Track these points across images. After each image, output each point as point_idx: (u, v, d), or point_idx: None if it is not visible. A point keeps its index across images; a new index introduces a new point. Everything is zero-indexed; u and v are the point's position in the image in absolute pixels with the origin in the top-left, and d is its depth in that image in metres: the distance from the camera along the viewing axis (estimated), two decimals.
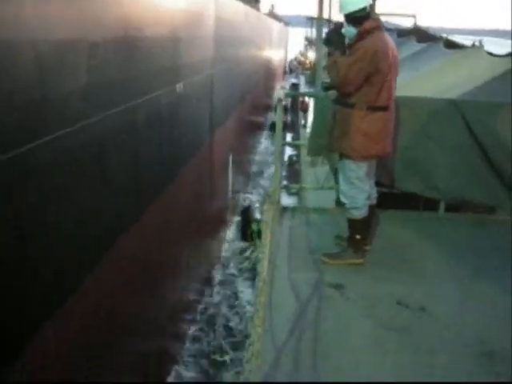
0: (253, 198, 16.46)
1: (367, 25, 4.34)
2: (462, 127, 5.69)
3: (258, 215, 13.08)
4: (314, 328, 3.83)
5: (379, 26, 4.42)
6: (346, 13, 4.36)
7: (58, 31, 4.31)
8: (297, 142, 13.73)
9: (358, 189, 4.62)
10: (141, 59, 6.27)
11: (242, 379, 2.10)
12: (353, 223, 4.74)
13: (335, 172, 6.18)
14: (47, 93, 4.15)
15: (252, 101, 19.55)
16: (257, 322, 2.55)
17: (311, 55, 38.33)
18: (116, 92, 5.52)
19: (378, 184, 5.81)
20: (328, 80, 4.87)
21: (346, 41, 4.44)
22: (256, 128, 22.32)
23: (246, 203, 14.77)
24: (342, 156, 4.63)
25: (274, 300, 4.07)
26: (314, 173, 8.41)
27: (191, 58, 9.07)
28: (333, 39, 4.54)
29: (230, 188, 13.74)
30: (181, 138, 8.47)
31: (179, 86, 8.07)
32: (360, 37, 4.33)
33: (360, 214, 4.67)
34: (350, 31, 4.40)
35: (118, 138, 5.66)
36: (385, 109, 4.44)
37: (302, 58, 45.34)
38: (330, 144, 4.75)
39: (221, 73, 12.13)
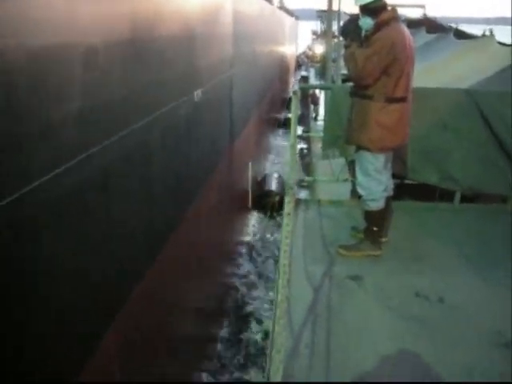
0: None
1: (384, 16, 4.30)
2: (477, 117, 5.67)
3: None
4: (333, 320, 3.83)
5: (396, 17, 4.38)
6: (363, 4, 4.33)
7: (37, 33, 3.07)
8: (310, 134, 13.68)
9: (375, 180, 4.61)
10: (152, 66, 5.14)
11: (268, 371, 2.12)
12: (370, 215, 4.73)
13: (350, 164, 6.19)
14: (21, 127, 2.96)
15: (269, 99, 18.70)
16: (279, 315, 2.56)
17: (318, 49, 38.25)
18: (122, 111, 4.38)
19: (394, 174, 5.82)
20: (346, 72, 4.84)
21: (363, 32, 4.42)
22: (273, 126, 21.80)
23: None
24: (360, 148, 4.61)
25: (292, 293, 4.07)
26: (328, 165, 8.40)
27: (210, 60, 7.94)
28: (349, 31, 4.51)
29: (250, 196, 13.22)
30: (200, 155, 7.35)
31: (197, 94, 6.94)
32: (377, 28, 4.30)
33: (377, 205, 4.67)
34: (366, 23, 4.36)
35: (126, 167, 4.56)
36: (402, 100, 4.42)
37: (310, 52, 45.24)
38: (347, 136, 4.73)
39: (240, 73, 11.11)
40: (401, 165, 5.54)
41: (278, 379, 2.13)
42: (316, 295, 4.14)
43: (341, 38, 19.07)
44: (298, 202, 5.99)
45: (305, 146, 18.33)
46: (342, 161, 6.42)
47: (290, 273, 4.22)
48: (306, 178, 10.49)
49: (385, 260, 4.72)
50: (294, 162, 5.27)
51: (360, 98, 4.49)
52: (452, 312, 3.98)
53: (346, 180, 6.25)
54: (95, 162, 3.81)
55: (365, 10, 4.35)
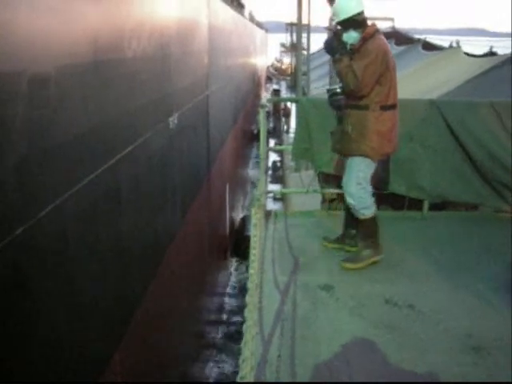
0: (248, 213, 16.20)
1: (370, 29, 4.51)
2: (442, 127, 5.79)
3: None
4: (304, 328, 3.86)
5: (378, 30, 4.61)
6: (346, 17, 4.45)
7: None
8: (280, 147, 13.80)
9: (364, 188, 4.72)
10: (121, 92, 4.20)
11: (239, 379, 2.15)
12: (365, 223, 4.81)
13: (319, 176, 6.27)
14: None
15: (244, 114, 18.32)
16: (250, 324, 2.59)
17: (287, 61, 38.46)
18: (81, 153, 3.35)
19: None
20: (333, 86, 4.91)
21: (348, 46, 4.51)
22: (249, 141, 21.19)
23: (239, 218, 14.21)
24: (352, 157, 4.70)
25: (263, 303, 4.10)
26: (299, 177, 8.48)
27: (185, 80, 7.03)
28: (335, 46, 4.60)
29: (228, 218, 12.02)
30: (176, 190, 6.21)
31: (173, 120, 5.90)
32: (363, 41, 4.46)
33: (370, 212, 4.77)
34: (352, 37, 4.50)
35: (86, 224, 3.43)
36: (394, 107, 4.60)
37: (279, 64, 45.34)
38: (342, 147, 4.82)
39: (216, 92, 10.19)
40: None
41: None
42: (287, 305, 4.17)
43: (308, 52, 19.27)
44: (268, 213, 6.03)
45: (278, 158, 18.43)
46: (312, 172, 6.49)
47: (261, 283, 4.25)
48: (276, 190, 10.53)
49: (354, 270, 4.77)
50: (263, 173, 5.33)
51: (355, 110, 4.59)
52: (422, 318, 4.03)
53: (316, 191, 6.31)
54: (53, 222, 2.92)
55: (348, 24, 4.48)
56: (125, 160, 4.14)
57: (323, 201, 6.35)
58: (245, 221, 12.91)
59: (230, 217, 12.12)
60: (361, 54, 4.42)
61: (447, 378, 3.35)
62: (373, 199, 4.80)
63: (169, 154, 5.80)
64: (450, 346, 3.69)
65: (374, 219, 4.80)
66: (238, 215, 13.52)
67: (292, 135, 15.12)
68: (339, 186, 6.08)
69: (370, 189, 4.76)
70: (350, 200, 4.76)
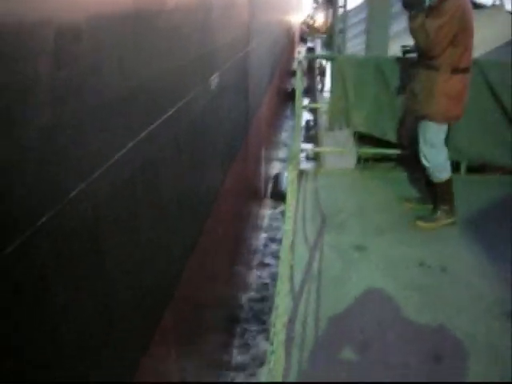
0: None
1: None
2: (483, 87, 5.64)
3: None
4: (336, 288, 3.87)
5: None
6: None
7: None
8: (315, 105, 13.64)
9: (439, 151, 4.65)
10: (159, 50, 3.51)
11: (272, 334, 2.16)
12: (439, 186, 4.77)
13: (355, 135, 6.20)
14: None
15: (279, 73, 17.78)
16: (283, 281, 2.59)
17: (320, 18, 37.53)
18: (117, 120, 2.76)
19: (399, 146, 5.83)
20: (408, 43, 4.81)
21: (427, 3, 4.36)
22: (283, 100, 20.73)
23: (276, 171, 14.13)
24: (423, 119, 4.61)
25: (296, 262, 4.11)
26: (333, 137, 8.39)
27: (227, 36, 6.34)
28: (413, 2, 4.46)
29: (263, 177, 11.64)
30: (216, 153, 5.74)
31: (214, 80, 5.39)
32: None
33: (445, 175, 4.72)
34: None
35: (124, 201, 2.95)
36: (466, 71, 4.45)
37: (311, 21, 44.18)
38: (411, 107, 4.76)
39: (255, 49, 9.30)
40: (405, 134, 5.55)
41: (280, 342, 2.17)
42: (319, 264, 4.17)
43: (344, 9, 18.86)
44: (302, 173, 6.00)
45: (311, 117, 18.26)
46: (347, 132, 6.42)
47: (294, 241, 4.25)
48: (311, 149, 10.43)
49: (389, 231, 4.74)
50: (298, 131, 5.27)
51: (425, 69, 4.47)
52: (454, 281, 4.00)
53: (351, 151, 6.25)
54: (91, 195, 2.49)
55: None
56: (165, 126, 3.64)
57: (358, 161, 6.29)
58: (278, 179, 12.91)
59: (265, 176, 12.08)
60: (437, 13, 4.24)
61: (473, 343, 3.32)
62: (448, 162, 4.73)
63: (210, 117, 5.27)
64: (480, 311, 3.65)
65: (449, 182, 4.75)
66: (272, 174, 13.50)
67: (326, 94, 14.96)
68: (375, 146, 6.04)
69: (445, 151, 4.68)
70: (424, 162, 4.70)
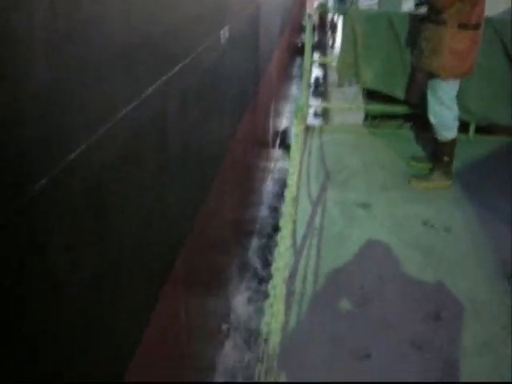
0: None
1: None
2: (496, 46, 5.51)
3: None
4: (338, 244, 3.86)
5: None
6: None
7: None
8: (325, 60, 13.43)
9: (449, 109, 4.55)
10: (168, 2, 3.17)
11: (270, 287, 2.15)
12: (442, 145, 4.70)
13: (364, 92, 6.11)
14: None
15: (290, 27, 17.07)
16: (285, 235, 2.57)
17: None
18: (121, 76, 2.49)
19: (407, 104, 5.74)
20: None
21: None
22: (293, 54, 20.11)
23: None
24: (433, 76, 4.51)
25: (298, 217, 4.09)
26: (342, 93, 8.29)
27: None
28: None
29: (271, 131, 11.70)
30: (226, 107, 5.38)
31: (224, 34, 5.02)
32: None
33: (451, 135, 4.64)
34: None
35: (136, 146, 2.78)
36: (476, 27, 4.31)
37: None
38: (417, 63, 4.64)
39: (266, 2, 8.58)
40: (415, 92, 5.46)
41: (280, 296, 2.16)
42: (322, 220, 4.15)
43: None
44: (308, 128, 5.94)
45: (320, 73, 18.05)
46: (356, 88, 6.33)
47: (297, 196, 4.22)
48: (319, 104, 10.33)
49: (393, 189, 4.71)
50: (306, 85, 5.20)
51: (433, 24, 4.35)
52: (458, 242, 3.97)
53: (359, 108, 6.17)
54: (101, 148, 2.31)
55: None
56: (176, 78, 3.39)
57: (366, 118, 6.21)
58: (285, 134, 12.86)
59: (274, 130, 11.96)
60: None
61: (473, 303, 3.32)
62: (456, 122, 4.65)
63: (219, 71, 4.96)
64: (483, 272, 3.64)
65: (453, 143, 4.68)
66: (280, 128, 13.42)
67: (337, 50, 14.74)
68: (384, 103, 5.95)
69: (454, 110, 4.59)
70: (432, 119, 4.62)
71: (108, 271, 2.34)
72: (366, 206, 4.41)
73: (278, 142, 12.34)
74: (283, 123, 13.96)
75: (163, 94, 3.14)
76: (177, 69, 3.40)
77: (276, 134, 12.14)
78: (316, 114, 12.31)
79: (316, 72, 18.30)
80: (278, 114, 12.42)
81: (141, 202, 2.87)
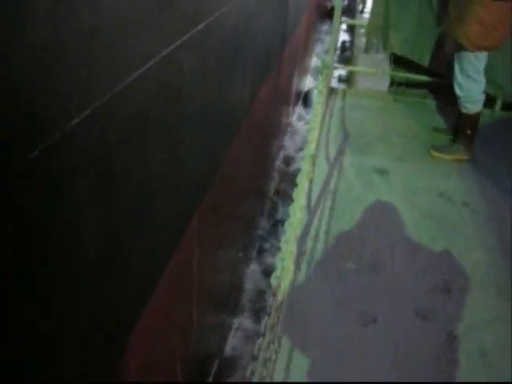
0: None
1: None
2: None
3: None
4: (352, 209, 3.81)
5: None
6: None
7: None
8: (353, 21, 13.18)
9: (475, 82, 4.42)
10: None
11: (283, 242, 2.12)
12: (466, 118, 4.58)
13: (391, 58, 5.98)
14: None
15: None
16: (299, 192, 2.53)
17: None
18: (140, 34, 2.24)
19: (434, 73, 5.62)
20: None
21: None
22: (321, 18, 19.28)
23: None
24: (460, 46, 4.35)
25: (315, 177, 4.04)
26: (368, 59, 8.15)
27: None
28: None
29: (293, 97, 10.74)
30: (246, 71, 4.96)
31: None
32: None
33: (475, 108, 4.52)
34: None
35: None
36: None
37: None
38: (445, 28, 4.51)
39: None
40: (443, 62, 5.33)
41: (291, 253, 2.13)
42: (338, 182, 4.11)
43: None
44: (332, 90, 5.85)
45: (347, 38, 17.78)
46: (383, 55, 6.20)
47: (317, 158, 4.17)
48: (344, 67, 10.16)
49: (412, 158, 4.64)
50: (333, 45, 5.10)
51: None
52: (474, 217, 3.91)
53: (385, 74, 6.06)
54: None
55: None
56: (201, 35, 3.20)
57: (391, 85, 6.10)
58: (308, 95, 12.75)
59: (297, 91, 11.78)
60: None
61: (485, 278, 3.28)
62: (482, 96, 4.51)
63: (243, 33, 4.64)
64: (497, 248, 3.58)
65: (476, 116, 4.56)
66: (304, 90, 13.27)
67: (367, 16, 14.45)
68: (411, 70, 5.82)
69: (481, 83, 4.46)
70: (457, 91, 4.50)
71: (124, 223, 2.30)
72: (383, 172, 4.35)
73: (300, 102, 12.25)
74: (307, 85, 13.81)
75: (186, 51, 2.95)
76: (201, 27, 3.18)
77: (299, 95, 12.00)
78: (340, 79, 12.15)
79: (343, 37, 18.02)
80: (302, 76, 12.26)
81: (161, 157, 2.81)
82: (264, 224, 7.25)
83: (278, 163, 9.07)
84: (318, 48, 18.41)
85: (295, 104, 11.58)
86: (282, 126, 9.14)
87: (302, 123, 12.07)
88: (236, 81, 4.71)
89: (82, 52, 1.75)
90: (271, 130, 7.67)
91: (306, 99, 12.53)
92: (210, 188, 3.93)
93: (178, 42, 2.82)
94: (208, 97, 3.73)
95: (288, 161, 9.45)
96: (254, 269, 6.47)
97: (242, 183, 5.36)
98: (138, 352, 2.51)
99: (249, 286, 6.17)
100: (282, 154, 9.54)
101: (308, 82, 14.46)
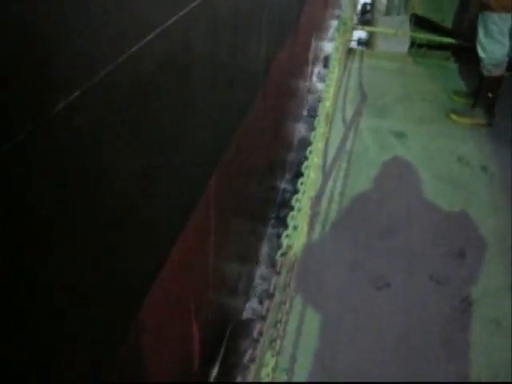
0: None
1: None
2: None
3: None
4: (368, 171, 3.75)
5: None
6: None
7: None
8: None
9: (499, 43, 4.28)
10: None
11: (294, 200, 2.06)
12: (488, 81, 4.46)
13: (412, 19, 5.83)
14: None
15: None
16: (314, 153, 2.47)
17: None
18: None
19: (455, 34, 5.47)
20: None
21: None
22: None
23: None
24: (484, 6, 4.21)
25: (331, 138, 3.97)
26: (389, 21, 7.96)
27: None
28: None
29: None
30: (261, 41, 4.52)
31: None
32: None
33: (498, 71, 4.40)
34: None
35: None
36: None
37: None
38: None
39: None
40: (466, 24, 5.19)
41: (304, 211, 2.08)
42: (354, 144, 4.03)
43: None
44: (350, 51, 5.74)
45: (368, 0, 17.41)
46: (403, 18, 6.05)
47: (333, 119, 4.09)
48: (363, 27, 9.88)
49: (431, 121, 4.55)
50: (352, 2, 4.96)
51: None
52: (493, 181, 3.83)
53: (405, 35, 5.91)
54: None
55: None
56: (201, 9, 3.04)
57: (411, 46, 5.95)
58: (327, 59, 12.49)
59: (315, 57, 11.44)
60: None
61: (500, 243, 3.21)
62: (506, 59, 4.39)
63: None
64: None
65: (499, 80, 4.44)
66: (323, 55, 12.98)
67: None
68: (432, 32, 5.68)
69: (506, 46, 4.32)
70: (480, 53, 4.37)
71: (145, 181, 2.24)
72: (400, 135, 4.27)
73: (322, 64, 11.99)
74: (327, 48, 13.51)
75: (196, 18, 2.88)
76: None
77: (318, 58, 11.71)
78: (360, 42, 11.91)
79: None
80: (322, 40, 11.95)
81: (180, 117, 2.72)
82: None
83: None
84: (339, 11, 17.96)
85: (314, 68, 11.30)
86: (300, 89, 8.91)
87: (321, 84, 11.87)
88: (251, 43, 4.54)
89: (81, 22, 1.64)
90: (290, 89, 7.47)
91: (325, 62, 12.29)
92: (229, 147, 3.85)
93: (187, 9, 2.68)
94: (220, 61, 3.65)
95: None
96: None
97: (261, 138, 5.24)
98: (154, 316, 2.47)
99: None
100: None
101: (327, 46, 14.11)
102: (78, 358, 1.84)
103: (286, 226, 1.98)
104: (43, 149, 1.44)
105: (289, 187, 7.33)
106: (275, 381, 2.14)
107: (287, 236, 1.90)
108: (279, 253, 1.88)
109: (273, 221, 6.59)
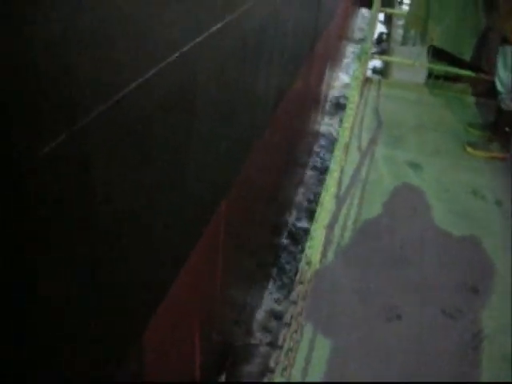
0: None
1: None
2: None
3: None
4: (383, 200, 3.74)
5: None
6: None
7: None
8: (393, 11, 12.94)
9: None
10: None
11: (312, 230, 2.06)
12: (506, 115, 4.45)
13: (429, 50, 5.85)
14: None
15: None
16: (331, 181, 2.47)
17: None
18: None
19: (474, 67, 5.49)
20: None
21: None
22: (356, 7, 18.13)
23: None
24: (505, 40, 4.22)
25: (346, 168, 3.97)
26: (405, 52, 8.01)
27: None
28: None
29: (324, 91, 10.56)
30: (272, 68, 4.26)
31: None
32: None
33: None
34: None
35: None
36: None
37: None
38: (493, 21, 4.37)
39: None
40: (486, 57, 5.20)
41: (319, 241, 2.07)
42: (369, 173, 4.03)
43: None
44: (367, 80, 5.75)
45: (384, 30, 17.52)
46: (420, 49, 6.08)
47: (349, 148, 4.09)
48: (380, 57, 9.96)
49: (446, 153, 4.54)
50: (372, 30, 4.99)
51: None
52: (507, 217, 3.80)
53: (422, 66, 5.93)
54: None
55: None
56: (226, 30, 2.82)
57: (428, 77, 5.97)
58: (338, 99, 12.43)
59: (327, 89, 11.38)
60: None
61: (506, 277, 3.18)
62: None
63: (272, 26, 4.07)
64: None
65: None
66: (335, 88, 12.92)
67: (406, 7, 14.20)
68: (450, 64, 5.69)
69: None
70: (498, 87, 4.37)
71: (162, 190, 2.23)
72: (415, 166, 4.26)
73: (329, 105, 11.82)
74: (338, 86, 13.32)
75: (215, 43, 2.70)
76: (226, 20, 2.79)
77: (327, 98, 11.45)
78: (375, 71, 11.96)
79: (380, 28, 17.71)
80: (333, 75, 11.78)
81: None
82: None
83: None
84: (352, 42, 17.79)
85: (326, 99, 11.17)
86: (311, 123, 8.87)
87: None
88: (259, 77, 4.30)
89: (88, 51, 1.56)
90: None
91: (337, 102, 12.04)
92: (238, 178, 3.85)
93: (193, 43, 2.38)
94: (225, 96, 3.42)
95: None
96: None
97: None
98: (159, 332, 2.47)
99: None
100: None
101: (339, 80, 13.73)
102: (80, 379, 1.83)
103: (301, 252, 1.98)
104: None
105: (297, 215, 7.39)
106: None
107: (304, 265, 1.89)
108: (296, 281, 1.88)
109: (281, 247, 6.63)
